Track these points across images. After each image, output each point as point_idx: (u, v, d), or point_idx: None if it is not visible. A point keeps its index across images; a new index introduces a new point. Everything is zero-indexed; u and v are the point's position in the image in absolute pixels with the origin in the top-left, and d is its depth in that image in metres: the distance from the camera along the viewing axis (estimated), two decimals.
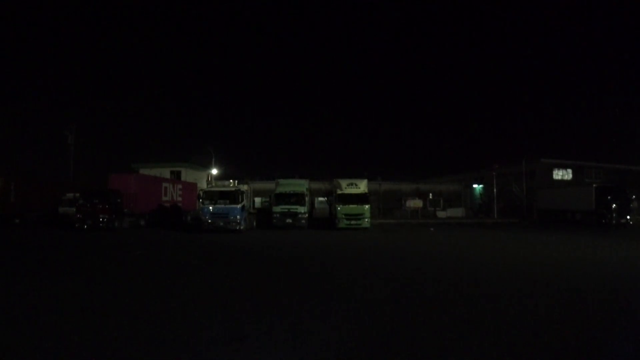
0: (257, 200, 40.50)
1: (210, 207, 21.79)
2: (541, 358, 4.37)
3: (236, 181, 27.44)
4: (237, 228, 21.52)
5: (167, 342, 4.72)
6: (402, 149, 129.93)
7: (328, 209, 31.02)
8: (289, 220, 24.23)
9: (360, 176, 27.49)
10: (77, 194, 24.28)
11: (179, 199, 29.81)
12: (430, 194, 44.51)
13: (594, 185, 30.67)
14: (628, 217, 28.17)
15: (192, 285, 8.12)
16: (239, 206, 21.89)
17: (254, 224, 25.42)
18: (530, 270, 9.76)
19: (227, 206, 21.79)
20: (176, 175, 38.04)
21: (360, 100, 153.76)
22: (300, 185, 26.16)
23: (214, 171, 38.51)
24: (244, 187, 25.32)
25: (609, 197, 28.15)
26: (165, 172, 36.84)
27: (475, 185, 49.37)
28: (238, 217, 21.58)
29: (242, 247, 15.36)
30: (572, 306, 6.45)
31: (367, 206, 24.40)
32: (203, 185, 35.41)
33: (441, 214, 41.32)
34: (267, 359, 4.30)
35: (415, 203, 38.69)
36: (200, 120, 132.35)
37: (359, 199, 24.70)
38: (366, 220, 24.13)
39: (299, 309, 6.20)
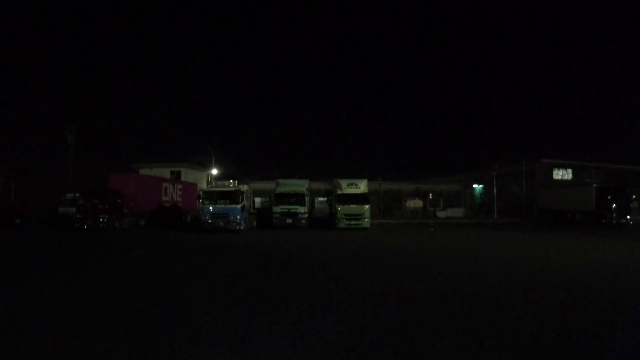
0: (257, 200, 40.51)
1: (210, 207, 21.78)
2: (542, 358, 4.37)
3: (236, 181, 27.43)
4: (237, 228, 21.51)
5: (167, 342, 4.72)
6: (402, 149, 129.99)
7: (328, 209, 31.01)
8: (289, 220, 24.22)
9: (360, 176, 27.48)
10: (77, 194, 24.27)
11: (179, 199, 29.79)
12: (430, 194, 44.51)
13: (594, 185, 30.65)
14: (628, 217, 28.16)
15: (192, 285, 8.12)
16: (239, 206, 21.89)
17: (254, 224, 25.41)
18: (531, 271, 9.76)
19: (227, 206, 21.78)
20: (176, 175, 38.01)
21: (361, 100, 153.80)
22: (300, 185, 26.14)
23: (214, 171, 38.49)
24: (244, 187, 25.29)
25: (609, 197, 28.13)
26: (165, 172, 36.82)
27: (475, 185, 49.37)
28: (238, 217, 21.58)
29: (242, 247, 15.35)
30: (572, 306, 6.45)
31: (367, 206, 24.38)
32: (203, 185, 35.40)
33: (441, 214, 41.29)
34: (267, 359, 4.30)
35: (415, 203, 38.66)
36: (200, 120, 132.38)
37: (359, 199, 24.68)
38: (366, 220, 24.11)
39: (299, 308, 6.20)
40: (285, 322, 5.49)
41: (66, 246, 15.29)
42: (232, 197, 22.27)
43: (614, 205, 27.86)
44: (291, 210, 24.39)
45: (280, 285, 8.11)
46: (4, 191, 23.98)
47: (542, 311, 6.08)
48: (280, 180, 26.98)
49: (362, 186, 25.74)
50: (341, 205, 24.40)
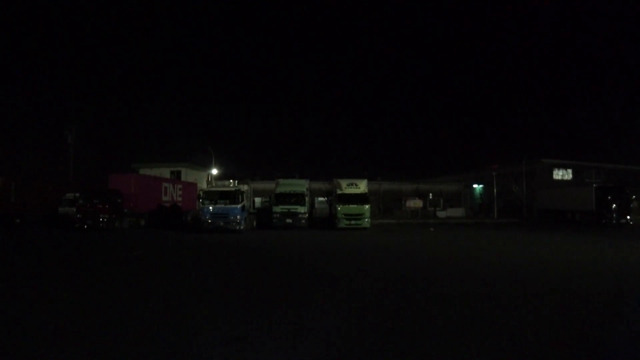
0: (257, 200, 40.52)
1: (210, 207, 21.79)
2: (542, 358, 4.37)
3: (236, 181, 27.46)
4: (237, 228, 21.52)
5: (167, 342, 4.72)
6: (402, 149, 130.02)
7: (328, 209, 31.00)
8: (289, 220, 24.22)
9: (360, 176, 27.47)
10: (77, 194, 24.28)
11: (179, 199, 29.79)
12: (430, 194, 44.52)
13: (594, 185, 30.67)
14: (628, 217, 28.16)
15: (192, 285, 8.12)
16: (239, 206, 21.90)
17: (254, 224, 25.42)
18: (531, 271, 9.75)
19: (227, 206, 21.79)
20: (176, 175, 38.00)
21: (360, 100, 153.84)
22: (300, 185, 26.15)
23: (214, 171, 38.48)
24: (244, 187, 25.31)
25: (609, 197, 28.13)
26: (165, 172, 36.81)
27: (475, 185, 49.37)
28: (238, 217, 21.58)
29: (242, 247, 15.36)
30: (572, 306, 6.45)
31: (367, 206, 24.39)
32: (203, 185, 35.39)
33: (441, 214, 41.29)
34: (267, 359, 4.30)
35: (415, 203, 38.66)
36: (200, 120, 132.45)
37: (359, 199, 24.68)
38: (366, 220, 24.11)
39: (299, 308, 6.20)
40: (285, 322, 5.49)
41: (66, 246, 15.30)
42: (232, 197, 22.28)
43: (614, 205, 27.86)
44: (291, 210, 24.39)
45: (280, 285, 8.11)
46: (4, 191, 24.00)
47: (542, 311, 6.08)
48: (281, 180, 26.98)
49: (362, 186, 25.74)
50: (341, 205, 24.41)
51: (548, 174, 44.78)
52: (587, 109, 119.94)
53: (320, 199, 35.70)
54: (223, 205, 21.82)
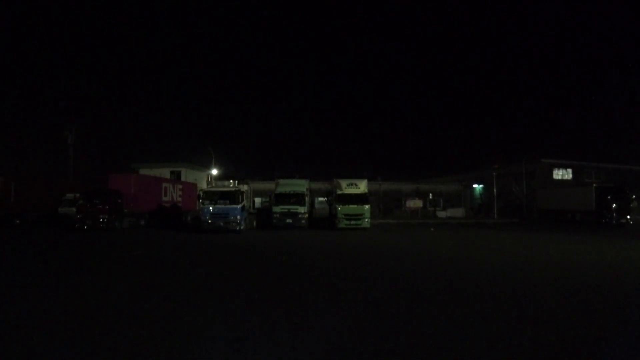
0: (257, 200, 40.54)
1: (210, 207, 21.79)
2: (541, 358, 4.37)
3: (236, 181, 27.48)
4: (237, 228, 21.52)
5: (167, 342, 4.72)
6: (402, 149, 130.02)
7: (328, 209, 31.02)
8: (289, 220, 24.22)
9: (360, 176, 27.49)
10: (77, 194, 24.28)
11: (179, 199, 29.79)
12: (430, 194, 44.57)
13: (594, 185, 30.67)
14: (628, 217, 28.17)
15: (192, 285, 8.11)
16: (239, 206, 21.91)
17: (254, 224, 25.42)
18: (531, 271, 9.75)
19: (227, 206, 21.80)
20: (176, 176, 38.02)
21: (361, 100, 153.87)
22: (300, 185, 26.16)
23: (214, 171, 38.49)
24: (244, 187, 25.33)
25: (609, 197, 28.15)
26: (165, 172, 36.83)
27: (475, 185, 49.38)
28: (238, 217, 21.59)
29: (242, 247, 15.35)
30: (572, 306, 6.45)
31: (367, 206, 24.39)
32: (203, 185, 35.41)
33: (441, 214, 41.32)
34: (267, 359, 4.30)
35: (415, 203, 38.67)
36: (200, 120, 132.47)
37: (359, 199, 24.69)
38: (366, 220, 24.11)
39: (299, 309, 6.20)
40: (285, 322, 5.49)
41: (66, 246, 15.29)
42: (232, 197, 22.29)
43: (614, 205, 27.88)
44: (291, 210, 24.39)
45: (280, 285, 8.11)
46: (4, 191, 23.99)
47: (542, 311, 6.08)
48: (280, 181, 27.00)
49: (362, 186, 25.75)
50: (341, 205, 24.41)
51: (548, 174, 44.78)
52: (587, 109, 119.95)
53: (320, 199, 35.75)
54: (223, 206, 21.82)
